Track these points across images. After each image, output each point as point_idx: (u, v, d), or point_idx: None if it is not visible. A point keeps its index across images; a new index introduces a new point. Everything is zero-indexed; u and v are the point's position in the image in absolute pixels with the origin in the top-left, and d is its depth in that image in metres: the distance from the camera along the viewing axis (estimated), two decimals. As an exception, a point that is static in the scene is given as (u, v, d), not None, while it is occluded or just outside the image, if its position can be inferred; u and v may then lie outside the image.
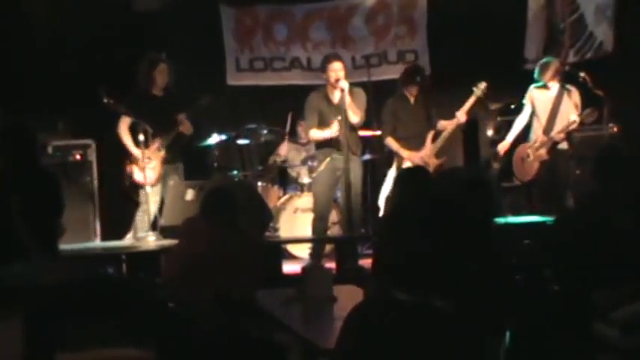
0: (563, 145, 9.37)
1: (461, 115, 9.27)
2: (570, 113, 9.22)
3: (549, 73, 9.42)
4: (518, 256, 5.08)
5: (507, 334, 3.62)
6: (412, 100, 9.45)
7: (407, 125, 9.45)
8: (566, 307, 3.87)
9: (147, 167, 8.89)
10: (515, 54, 10.10)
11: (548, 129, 9.34)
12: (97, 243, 9.41)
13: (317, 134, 8.99)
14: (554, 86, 9.42)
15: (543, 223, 8.59)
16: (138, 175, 8.94)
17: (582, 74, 9.34)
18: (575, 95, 9.35)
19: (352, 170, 8.78)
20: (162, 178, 9.11)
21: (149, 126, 8.83)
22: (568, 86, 9.40)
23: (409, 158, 9.27)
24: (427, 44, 11.50)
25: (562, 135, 9.26)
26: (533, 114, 9.51)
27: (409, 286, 2.90)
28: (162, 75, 9.15)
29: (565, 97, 9.34)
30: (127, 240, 9.14)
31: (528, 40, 11.09)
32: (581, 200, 8.29)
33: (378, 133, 9.85)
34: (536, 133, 9.44)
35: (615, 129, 9.36)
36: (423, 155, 9.25)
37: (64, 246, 8.30)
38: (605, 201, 4.76)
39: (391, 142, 9.45)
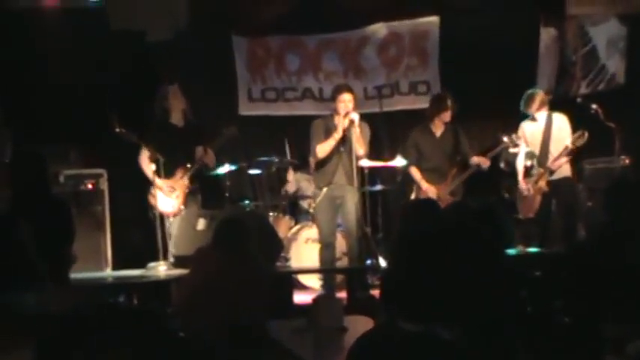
0: (563, 173, 9.33)
1: (483, 162, 9.28)
2: (565, 140, 9.19)
3: (535, 105, 9.39)
4: (529, 287, 5.07)
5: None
6: (438, 133, 9.47)
7: (428, 158, 9.49)
8: (577, 340, 3.85)
9: (171, 197, 8.98)
10: (527, 86, 10.10)
11: (543, 160, 9.30)
12: (109, 272, 9.42)
13: (323, 147, 8.96)
14: (542, 116, 9.39)
15: (546, 255, 8.61)
16: (162, 205, 9.01)
17: (594, 106, 9.32)
18: (565, 122, 9.31)
19: (350, 200, 8.82)
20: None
21: (166, 156, 8.92)
22: (555, 114, 9.38)
23: (425, 190, 9.31)
24: (439, 75, 11.52)
25: (558, 163, 9.22)
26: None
27: (416, 316, 2.89)
28: (176, 100, 9.20)
29: (554, 125, 9.31)
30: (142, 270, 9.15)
31: (540, 72, 11.10)
32: (593, 232, 8.29)
33: (390, 164, 9.86)
34: (536, 167, 9.41)
35: (627, 161, 9.33)
36: (438, 191, 9.26)
37: (75, 275, 8.36)
38: (616, 233, 4.75)
39: (414, 172, 9.50)
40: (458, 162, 9.49)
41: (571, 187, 9.40)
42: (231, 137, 9.44)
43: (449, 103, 9.42)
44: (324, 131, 8.97)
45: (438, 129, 9.52)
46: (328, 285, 9.02)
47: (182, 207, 9.12)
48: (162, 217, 9.15)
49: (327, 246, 9.06)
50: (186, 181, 9.14)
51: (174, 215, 9.06)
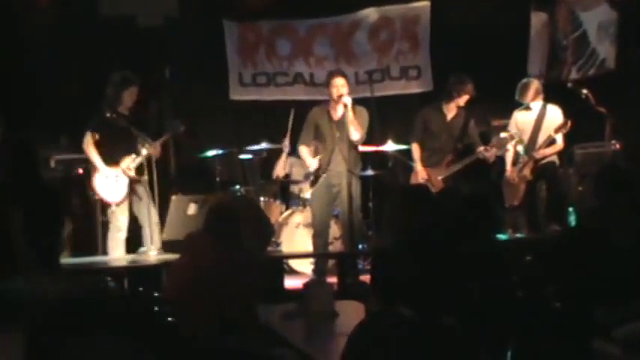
0: (550, 159, 9.32)
1: (490, 155, 9.27)
2: (555, 125, 9.20)
3: (530, 94, 9.36)
4: (520, 272, 5.08)
5: (509, 350, 3.62)
6: (449, 116, 9.44)
7: (435, 138, 9.45)
8: (568, 324, 3.86)
9: (115, 185, 8.87)
10: (518, 71, 10.09)
11: (530, 149, 9.29)
12: (100, 257, 9.40)
13: (302, 154, 9.05)
14: (537, 106, 9.37)
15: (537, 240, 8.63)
16: (105, 193, 8.91)
17: (585, 91, 9.32)
18: (558, 113, 9.31)
19: (349, 188, 8.79)
20: (129, 195, 9.03)
21: (111, 143, 8.85)
22: (550, 105, 9.37)
23: (417, 173, 9.30)
24: (430, 60, 11.50)
25: (542, 152, 9.21)
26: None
27: (413, 303, 2.90)
28: (132, 97, 9.02)
29: (547, 116, 9.30)
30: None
31: (531, 57, 11.10)
32: (584, 217, 8.30)
33: (381, 148, 9.85)
34: (522, 155, 9.40)
35: (618, 146, 9.32)
36: (432, 176, 9.25)
37: (66, 260, 8.36)
38: (606, 218, 4.76)
39: (414, 150, 9.51)
40: (459, 149, 9.46)
41: (554, 170, 9.37)
42: (175, 132, 9.31)
43: (469, 87, 9.36)
44: (314, 125, 9.02)
45: (451, 111, 9.47)
46: (320, 270, 9.02)
47: (125, 195, 8.97)
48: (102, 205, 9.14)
49: (319, 234, 9.06)
50: (131, 171, 8.95)
51: (117, 205, 8.95)
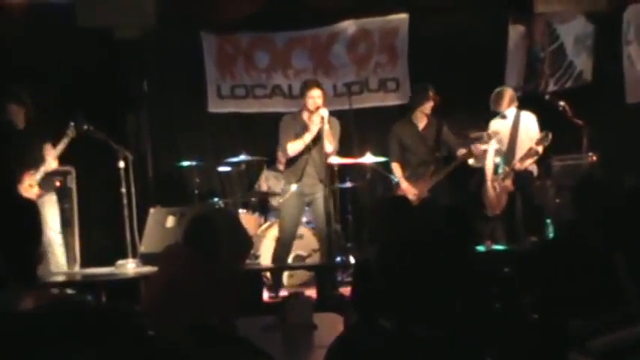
0: (531, 168, 9.34)
1: (476, 149, 9.28)
2: (532, 139, 9.20)
3: (504, 102, 9.43)
4: (498, 284, 5.09)
5: (487, 362, 3.63)
6: (421, 125, 9.47)
7: (413, 152, 9.47)
8: (544, 336, 3.88)
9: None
10: (496, 82, 10.14)
11: (509, 158, 9.34)
12: (77, 270, 9.37)
13: (294, 146, 8.94)
14: (512, 113, 9.43)
15: (515, 252, 8.65)
16: None
17: (562, 103, 9.39)
18: (533, 121, 9.34)
19: (321, 198, 8.78)
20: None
21: (14, 160, 8.58)
22: (524, 112, 9.42)
23: (404, 190, 9.28)
24: (408, 72, 11.52)
25: (522, 164, 9.23)
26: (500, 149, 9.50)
27: (392, 315, 2.91)
28: (19, 115, 8.76)
29: (522, 124, 9.35)
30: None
31: (509, 69, 11.14)
32: (561, 229, 8.33)
33: (359, 161, 9.85)
34: (502, 165, 9.44)
35: (594, 157, 9.38)
36: (418, 192, 9.24)
37: (43, 273, 8.31)
38: (583, 230, 4.77)
39: (396, 169, 9.52)
40: (439, 158, 9.47)
41: (529, 180, 9.40)
42: (74, 136, 9.09)
43: (430, 94, 9.40)
44: (292, 128, 8.95)
45: (421, 121, 9.51)
46: (276, 284, 9.01)
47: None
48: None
49: (283, 244, 9.04)
50: (35, 189, 8.68)
51: None
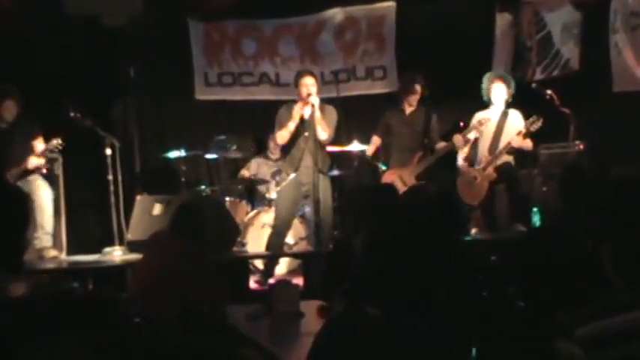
0: (505, 159, 9.34)
1: (457, 141, 9.28)
2: (516, 130, 9.22)
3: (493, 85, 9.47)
4: (485, 272, 5.10)
5: (473, 350, 3.63)
6: (408, 111, 9.49)
7: (399, 136, 9.49)
8: (531, 325, 3.88)
9: None
10: (483, 70, 10.14)
11: (493, 147, 9.31)
12: (64, 257, 9.35)
13: (281, 134, 8.95)
14: (499, 109, 9.40)
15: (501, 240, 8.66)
16: None
17: (549, 92, 9.40)
18: (519, 120, 9.33)
19: (320, 188, 8.77)
20: None
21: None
22: (512, 110, 9.39)
23: (386, 177, 9.28)
24: (395, 60, 11.51)
25: (500, 158, 9.24)
26: (478, 139, 9.51)
27: (378, 302, 2.91)
28: (9, 111, 8.91)
29: (508, 121, 9.33)
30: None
31: (496, 57, 11.15)
32: (548, 217, 8.34)
33: (347, 149, 9.86)
34: (482, 155, 9.44)
35: (581, 146, 9.38)
36: (402, 175, 9.25)
37: (30, 260, 8.29)
38: (570, 218, 4.79)
39: (372, 143, 9.69)
40: (426, 144, 9.49)
41: (511, 171, 9.38)
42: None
43: (416, 86, 9.41)
44: (287, 118, 8.96)
45: (408, 109, 9.56)
46: (268, 272, 9.02)
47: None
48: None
49: (278, 233, 9.05)
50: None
51: None
